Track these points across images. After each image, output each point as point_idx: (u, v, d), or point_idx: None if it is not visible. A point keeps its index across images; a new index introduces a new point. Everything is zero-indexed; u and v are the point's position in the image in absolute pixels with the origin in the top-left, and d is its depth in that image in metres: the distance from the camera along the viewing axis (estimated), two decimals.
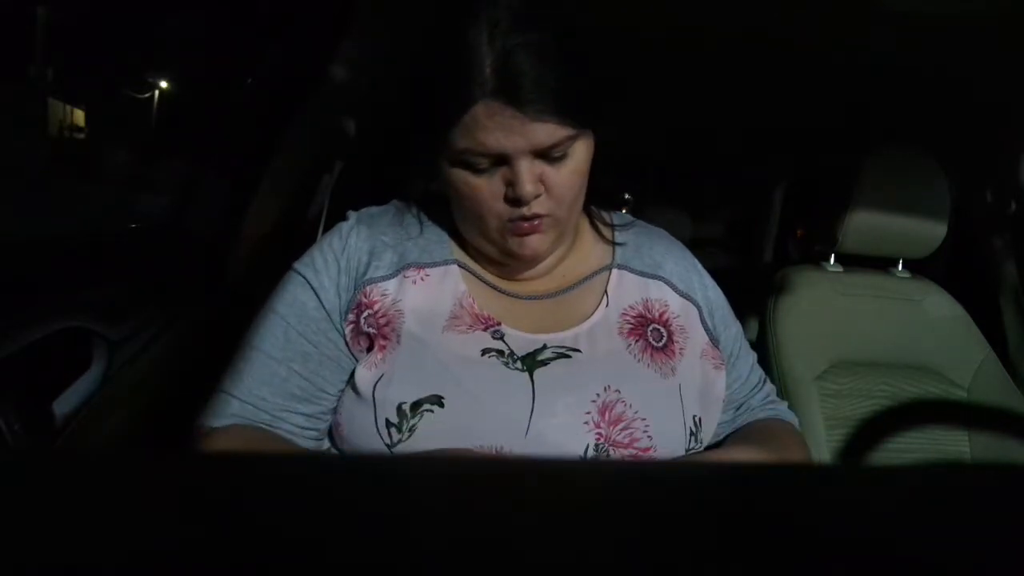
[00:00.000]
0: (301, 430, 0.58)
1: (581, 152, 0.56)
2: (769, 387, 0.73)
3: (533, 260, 0.60)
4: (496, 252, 0.60)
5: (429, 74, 0.55)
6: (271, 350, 0.58)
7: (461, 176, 0.55)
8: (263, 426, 0.57)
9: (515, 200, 0.54)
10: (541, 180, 0.54)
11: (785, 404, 0.73)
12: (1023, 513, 0.15)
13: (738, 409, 0.70)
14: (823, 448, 1.04)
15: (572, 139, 0.54)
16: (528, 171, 0.53)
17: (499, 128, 0.51)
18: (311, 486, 0.15)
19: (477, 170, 0.54)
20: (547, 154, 0.53)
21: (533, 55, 0.50)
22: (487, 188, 0.55)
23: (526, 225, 0.56)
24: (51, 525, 0.13)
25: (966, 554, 0.13)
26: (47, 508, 0.13)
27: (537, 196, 0.54)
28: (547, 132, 0.52)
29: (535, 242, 0.57)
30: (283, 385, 0.57)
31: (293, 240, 1.21)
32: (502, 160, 0.53)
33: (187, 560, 0.12)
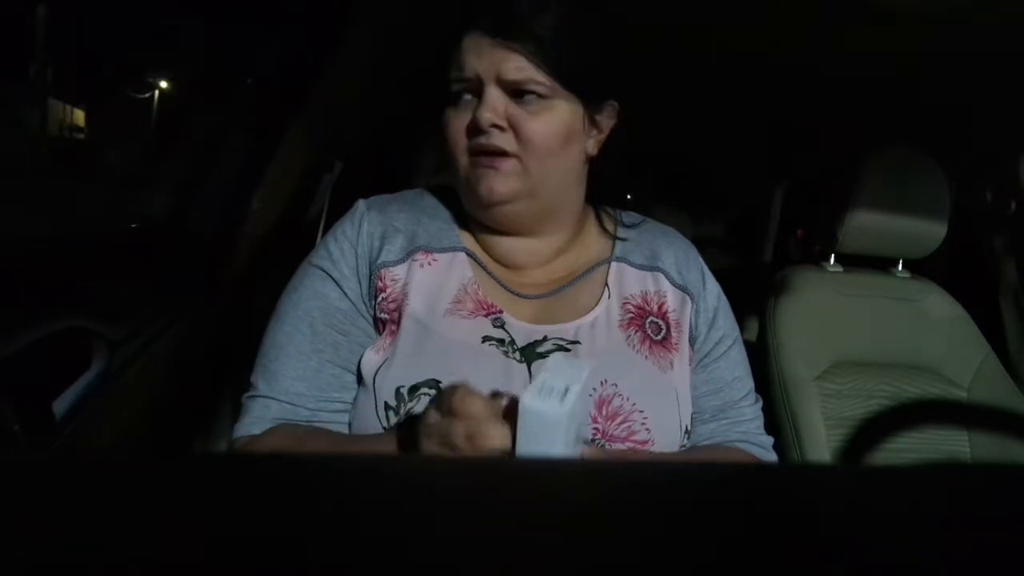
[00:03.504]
0: (343, 415, 0.59)
1: (563, 113, 0.57)
2: (757, 421, 0.66)
3: (490, 202, 0.58)
4: (471, 198, 0.61)
5: (438, 22, 0.59)
6: (301, 345, 0.58)
7: (446, 114, 0.58)
8: (302, 423, 0.57)
9: (475, 126, 0.56)
10: (508, 118, 0.56)
11: (771, 441, 0.66)
12: (1023, 513, 0.15)
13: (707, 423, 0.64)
14: (823, 448, 1.03)
15: (544, 88, 0.56)
16: (492, 98, 0.55)
17: (475, 52, 0.55)
18: (313, 487, 0.15)
19: (456, 102, 0.57)
20: (516, 91, 0.56)
21: (529, 3, 0.55)
22: (458, 120, 0.57)
23: (485, 159, 0.57)
24: (51, 526, 0.13)
25: (966, 554, 0.13)
26: (47, 508, 0.13)
27: (497, 127, 0.56)
28: (515, 64, 0.55)
29: (494, 181, 0.57)
30: (316, 377, 0.58)
31: (293, 240, 1.21)
32: (478, 91, 0.56)
33: (187, 561, 0.12)
